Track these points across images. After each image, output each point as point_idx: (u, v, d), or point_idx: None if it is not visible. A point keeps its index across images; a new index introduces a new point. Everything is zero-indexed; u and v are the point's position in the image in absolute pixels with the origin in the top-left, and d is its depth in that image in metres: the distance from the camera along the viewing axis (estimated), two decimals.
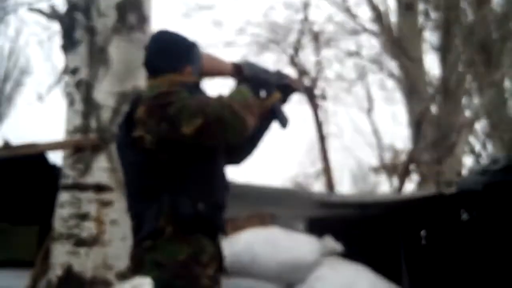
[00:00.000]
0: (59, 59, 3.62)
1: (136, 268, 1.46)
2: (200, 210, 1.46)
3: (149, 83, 1.66)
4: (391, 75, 8.15)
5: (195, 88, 1.62)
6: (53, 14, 3.58)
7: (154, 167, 1.48)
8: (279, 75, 1.72)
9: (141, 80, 3.27)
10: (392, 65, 7.99)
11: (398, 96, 8.86)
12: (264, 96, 1.66)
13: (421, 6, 7.92)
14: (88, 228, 2.96)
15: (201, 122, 1.40)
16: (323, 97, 7.85)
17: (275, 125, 1.71)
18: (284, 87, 1.71)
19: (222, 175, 1.60)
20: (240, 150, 1.68)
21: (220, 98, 1.48)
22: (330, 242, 3.79)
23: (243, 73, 1.65)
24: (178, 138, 1.44)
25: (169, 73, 1.60)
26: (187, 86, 1.56)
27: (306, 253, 3.62)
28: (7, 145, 3.18)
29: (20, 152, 3.05)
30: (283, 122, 1.69)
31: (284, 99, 1.72)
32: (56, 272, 2.93)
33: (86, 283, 2.81)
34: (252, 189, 4.03)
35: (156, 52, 1.66)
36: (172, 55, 1.63)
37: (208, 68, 1.67)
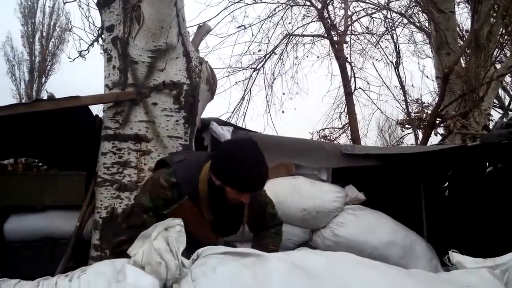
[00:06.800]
0: (97, 16, 3.75)
1: None
2: None
3: None
4: (420, 28, 7.96)
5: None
6: None
7: None
8: None
9: (173, 37, 3.41)
10: (422, 18, 7.81)
11: (427, 50, 8.71)
12: None
13: None
14: (129, 175, 3.21)
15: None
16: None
17: None
18: None
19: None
20: None
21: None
22: (353, 191, 3.96)
23: None
24: None
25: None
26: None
27: (329, 201, 3.80)
28: (52, 98, 3.43)
29: (64, 105, 3.25)
30: None
31: None
32: (101, 214, 3.23)
33: None
34: (279, 141, 4.18)
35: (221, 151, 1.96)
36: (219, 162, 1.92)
37: None
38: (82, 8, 4.22)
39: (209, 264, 1.44)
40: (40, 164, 3.76)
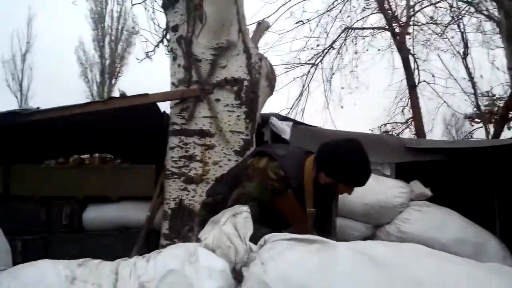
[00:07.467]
0: (161, 19, 3.93)
1: None
2: None
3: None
4: (489, 17, 7.50)
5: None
6: None
7: None
8: None
9: (233, 35, 3.50)
10: (491, 5, 7.35)
11: (497, 40, 8.18)
12: None
13: None
14: (195, 168, 3.34)
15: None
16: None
17: None
18: None
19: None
20: None
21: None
22: (419, 186, 3.84)
23: None
24: None
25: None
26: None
27: (393, 196, 3.72)
28: (123, 96, 3.66)
29: (134, 102, 3.47)
30: None
31: None
32: (170, 205, 3.39)
33: (194, 214, 3.20)
34: (340, 135, 4.13)
35: (331, 148, 2.07)
36: (329, 159, 2.05)
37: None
38: (148, 10, 4.44)
39: (277, 248, 1.48)
40: (113, 158, 4.01)
